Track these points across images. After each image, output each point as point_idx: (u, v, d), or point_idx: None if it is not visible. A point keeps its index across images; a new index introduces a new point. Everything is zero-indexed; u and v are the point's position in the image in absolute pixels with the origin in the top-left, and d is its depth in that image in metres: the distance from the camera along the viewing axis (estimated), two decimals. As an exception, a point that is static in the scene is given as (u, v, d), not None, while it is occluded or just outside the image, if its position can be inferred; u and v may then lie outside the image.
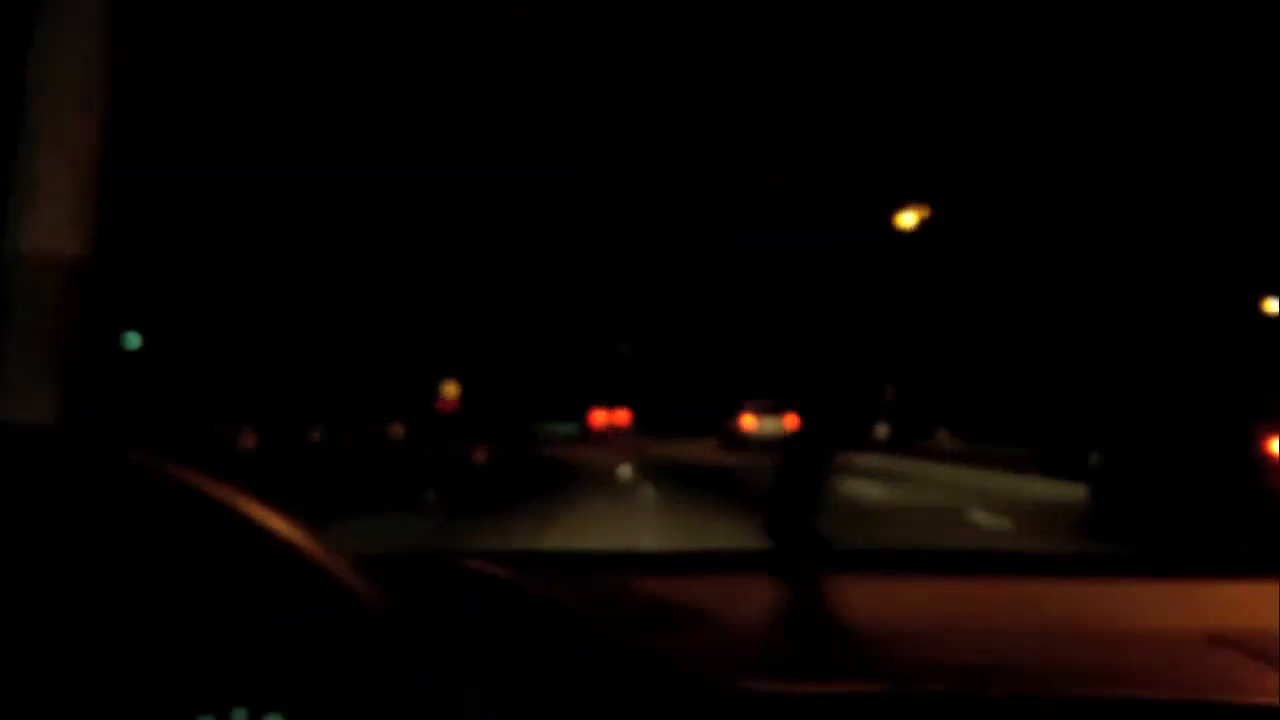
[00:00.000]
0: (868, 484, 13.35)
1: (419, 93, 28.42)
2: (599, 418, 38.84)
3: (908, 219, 22.84)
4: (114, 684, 0.62)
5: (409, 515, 9.52)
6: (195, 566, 0.67)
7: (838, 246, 28.72)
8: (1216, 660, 1.10)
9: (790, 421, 22.47)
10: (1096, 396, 17.53)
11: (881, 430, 26.05)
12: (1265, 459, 7.00)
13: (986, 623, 1.21)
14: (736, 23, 27.34)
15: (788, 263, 32.13)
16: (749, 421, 22.41)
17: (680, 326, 41.40)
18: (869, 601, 1.09)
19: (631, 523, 10.11)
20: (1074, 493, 11.63)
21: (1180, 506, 7.22)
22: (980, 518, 9.94)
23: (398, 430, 21.19)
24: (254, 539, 0.68)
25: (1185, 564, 1.59)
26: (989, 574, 1.48)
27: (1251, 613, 1.12)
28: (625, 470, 15.38)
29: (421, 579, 0.93)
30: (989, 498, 11.73)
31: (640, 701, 0.89)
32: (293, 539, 0.69)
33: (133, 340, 27.75)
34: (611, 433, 36.25)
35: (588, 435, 34.59)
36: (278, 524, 0.68)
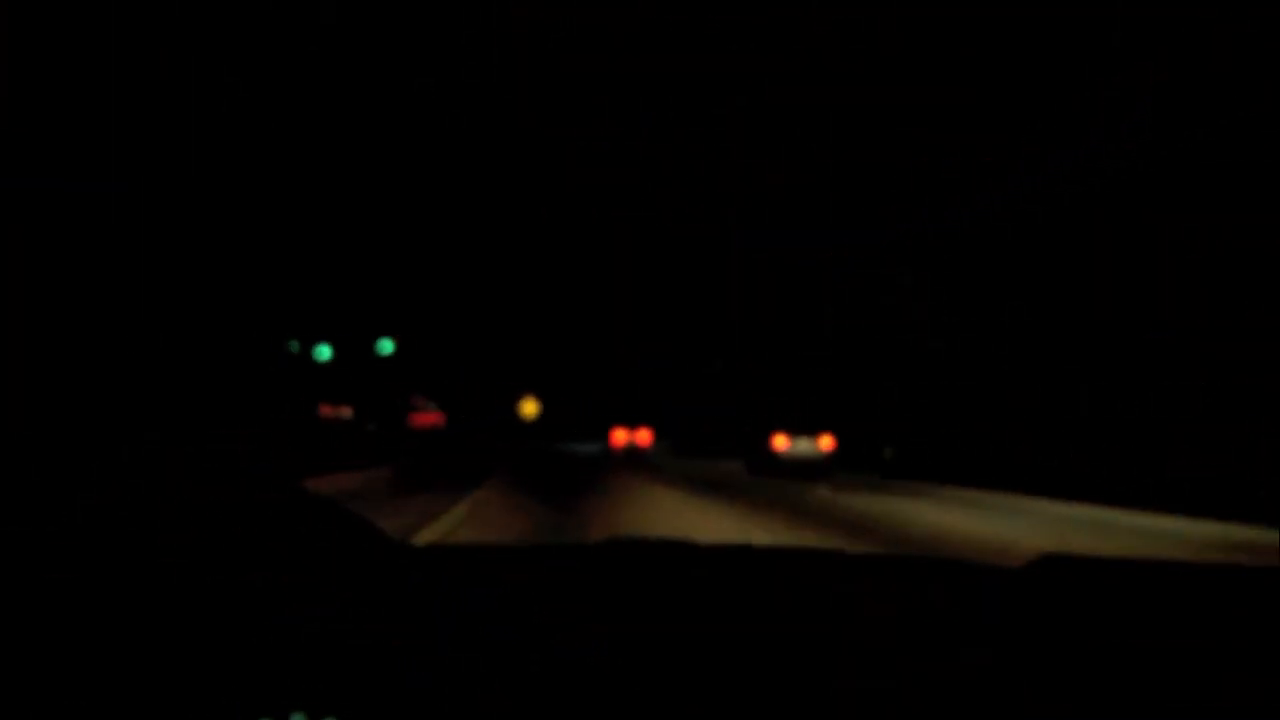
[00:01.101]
0: (949, 512, 11.28)
1: (427, 96, 27.63)
2: (619, 436, 36.87)
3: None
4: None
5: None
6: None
7: (837, 247, 27.66)
8: None
9: (826, 441, 20.33)
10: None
11: (888, 452, 24.10)
12: None
13: None
14: (736, 23, 26.03)
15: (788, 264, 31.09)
16: (780, 441, 20.24)
17: (706, 341, 39.48)
18: None
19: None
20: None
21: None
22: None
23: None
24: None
25: None
26: None
27: None
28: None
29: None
30: (1112, 531, 9.60)
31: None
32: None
33: (324, 352, 30.21)
34: (630, 453, 34.29)
35: (609, 455, 32.50)
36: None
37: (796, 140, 28.30)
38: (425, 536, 7.32)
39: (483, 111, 29.27)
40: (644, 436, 39.10)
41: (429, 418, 33.93)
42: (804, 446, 20.23)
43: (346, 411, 32.84)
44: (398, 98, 26.55)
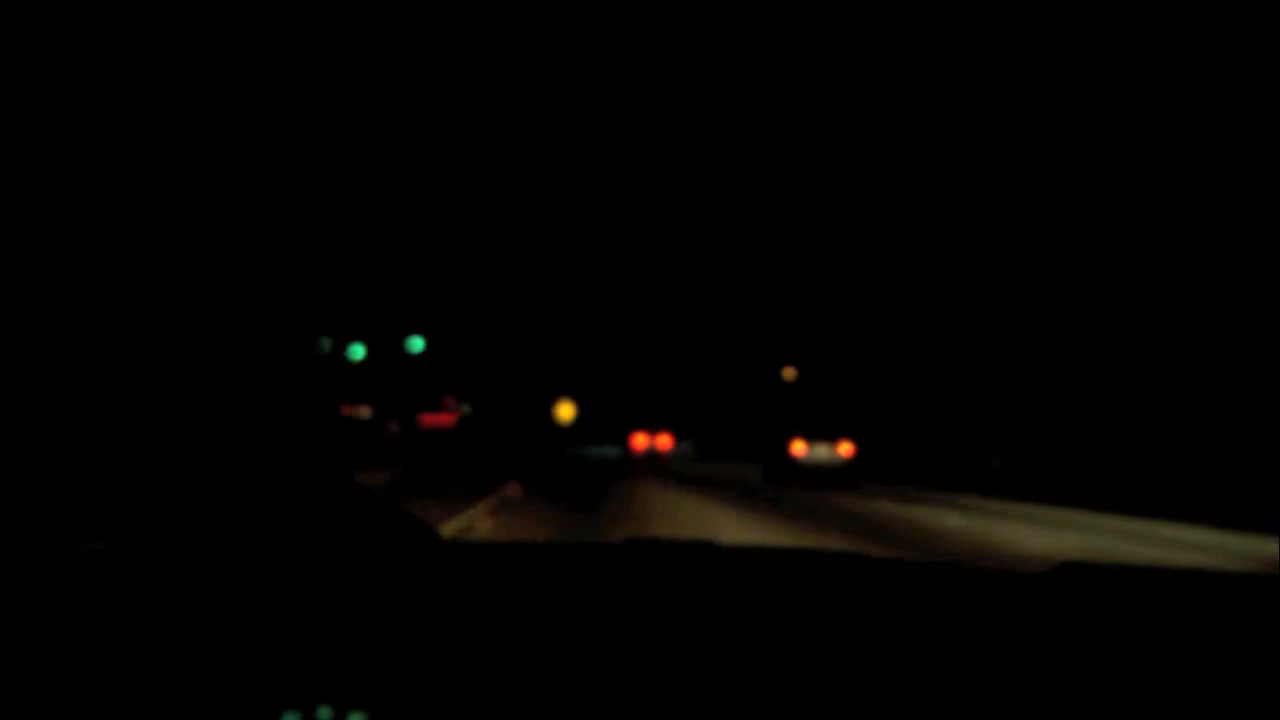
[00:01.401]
0: (1014, 528, 10.61)
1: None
2: (640, 441, 36.64)
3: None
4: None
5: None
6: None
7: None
8: None
9: (846, 447, 19.95)
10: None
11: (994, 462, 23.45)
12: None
13: None
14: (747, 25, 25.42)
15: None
16: (799, 446, 19.87)
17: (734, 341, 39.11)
18: None
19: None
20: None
21: None
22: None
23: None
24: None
25: None
26: None
27: None
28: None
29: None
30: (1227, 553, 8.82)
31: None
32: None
33: (358, 351, 30.46)
34: (649, 457, 34.03)
35: (629, 459, 32.24)
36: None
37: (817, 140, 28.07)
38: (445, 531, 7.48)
39: (514, 109, 29.17)
40: (664, 441, 38.86)
41: (439, 419, 33.76)
42: (823, 452, 19.87)
43: (365, 411, 32.71)
44: (425, 92, 26.51)
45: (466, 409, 36.92)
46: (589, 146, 31.50)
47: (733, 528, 9.65)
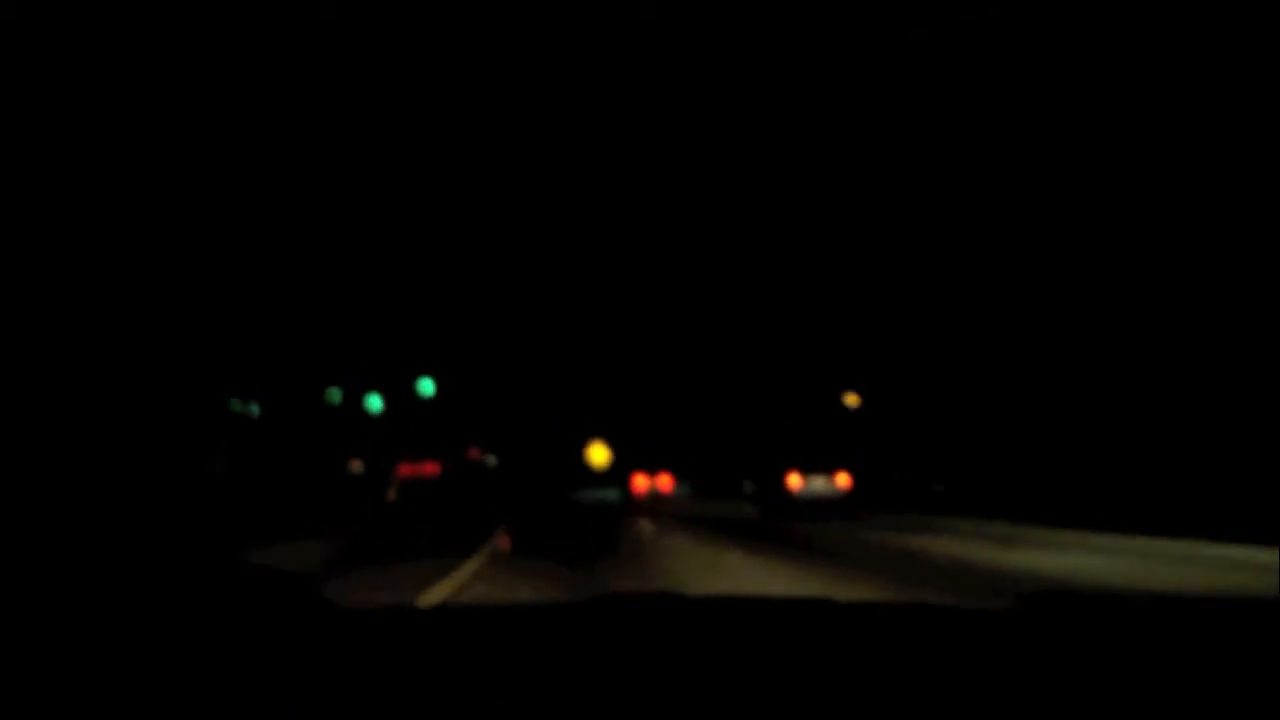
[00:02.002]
0: (1061, 556, 10.13)
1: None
2: (640, 483, 36.55)
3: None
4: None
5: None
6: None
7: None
8: None
9: (843, 479, 20.00)
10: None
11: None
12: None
13: None
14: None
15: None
16: (795, 480, 19.95)
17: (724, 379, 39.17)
18: None
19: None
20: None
21: None
22: None
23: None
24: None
25: None
26: None
27: None
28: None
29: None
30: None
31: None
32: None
33: (375, 403, 29.97)
34: (651, 499, 33.94)
35: (629, 501, 32.21)
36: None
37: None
38: (431, 597, 7.01)
39: (517, 117, 28.84)
40: (665, 482, 38.78)
41: (420, 469, 33.18)
42: (820, 484, 19.93)
43: (357, 465, 32.02)
44: (425, 102, 26.25)
45: (492, 459, 36.20)
46: (579, 158, 31.11)
47: (757, 574, 9.20)
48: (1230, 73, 16.39)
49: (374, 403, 33.11)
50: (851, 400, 30.68)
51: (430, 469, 33.67)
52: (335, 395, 33.77)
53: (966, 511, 17.80)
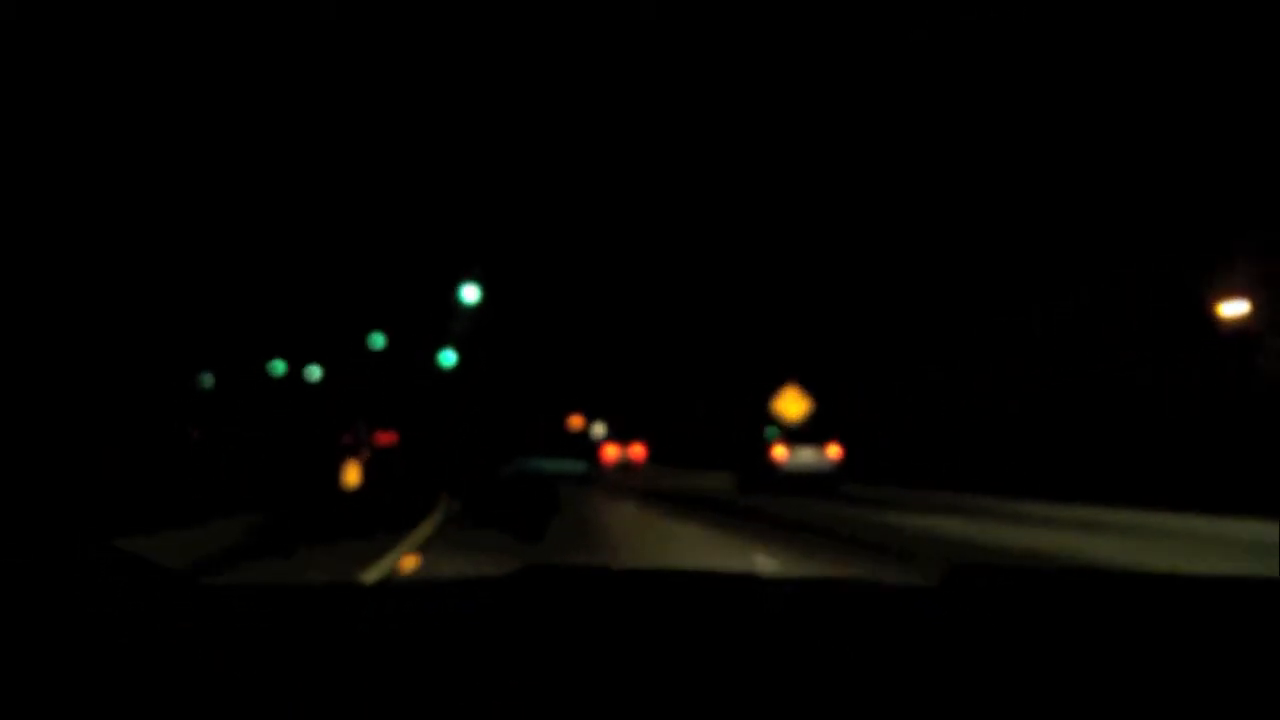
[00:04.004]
0: (1087, 539, 8.78)
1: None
2: (610, 452, 34.04)
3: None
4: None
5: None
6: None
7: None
8: None
9: (834, 450, 17.38)
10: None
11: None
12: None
13: None
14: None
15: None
16: (779, 451, 17.31)
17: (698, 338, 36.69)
18: None
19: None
20: None
21: None
22: None
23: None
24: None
25: None
26: None
27: None
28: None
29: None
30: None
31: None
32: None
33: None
34: (622, 468, 31.44)
35: (599, 473, 29.61)
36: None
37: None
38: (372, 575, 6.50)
39: (509, 111, 28.49)
40: (638, 451, 36.31)
41: (384, 437, 31.26)
42: (808, 456, 17.32)
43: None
44: (423, 94, 25.82)
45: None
46: (577, 153, 30.21)
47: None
48: (1230, 73, 16.42)
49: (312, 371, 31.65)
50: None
51: (386, 439, 32.41)
52: (280, 367, 33.52)
53: (984, 488, 15.33)
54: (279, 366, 33.61)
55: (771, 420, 18.83)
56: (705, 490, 17.52)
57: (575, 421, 35.69)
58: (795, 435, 17.88)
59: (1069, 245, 19.96)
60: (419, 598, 1.55)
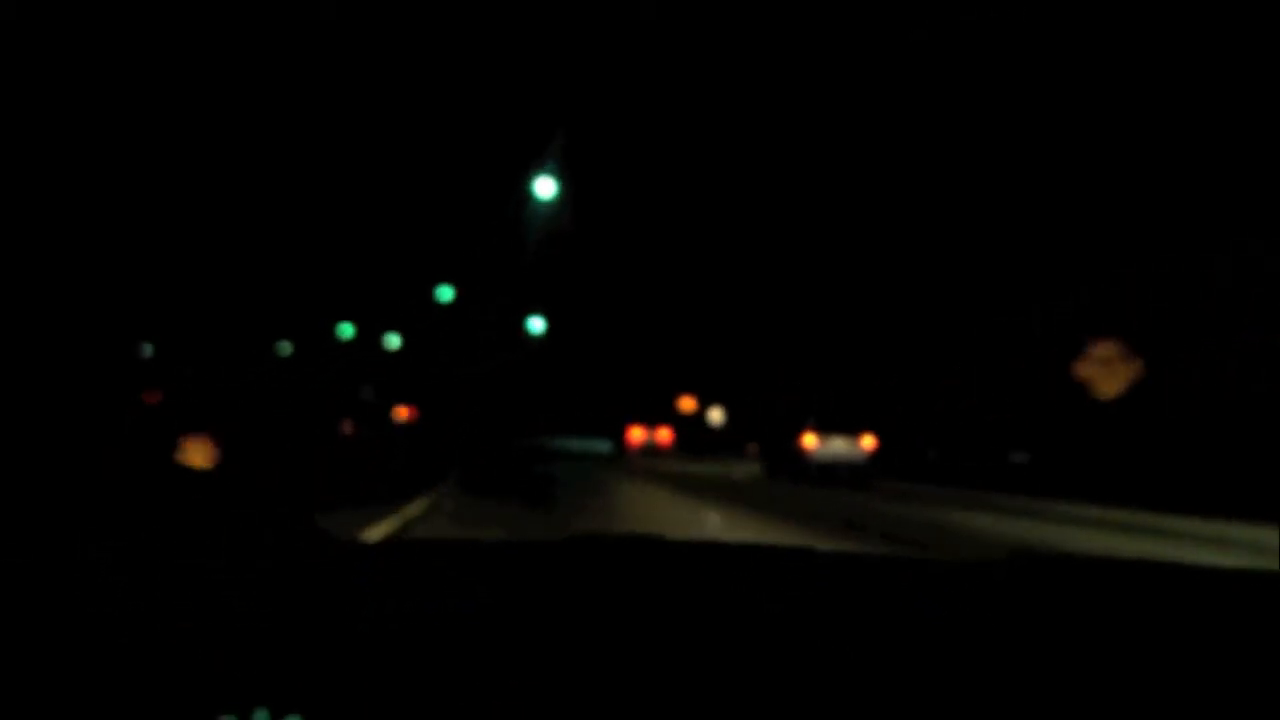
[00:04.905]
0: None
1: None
2: (636, 435, 33.56)
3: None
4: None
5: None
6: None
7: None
8: None
9: (868, 441, 16.75)
10: None
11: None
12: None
13: None
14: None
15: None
16: (810, 440, 16.69)
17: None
18: None
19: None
20: None
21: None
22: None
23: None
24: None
25: None
26: None
27: None
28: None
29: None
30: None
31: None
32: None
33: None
34: (649, 453, 30.96)
35: (625, 455, 29.15)
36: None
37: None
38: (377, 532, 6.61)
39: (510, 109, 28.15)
40: (664, 435, 35.81)
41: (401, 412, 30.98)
42: (840, 446, 16.69)
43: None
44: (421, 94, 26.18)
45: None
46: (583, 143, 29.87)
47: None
48: (1231, 73, 16.35)
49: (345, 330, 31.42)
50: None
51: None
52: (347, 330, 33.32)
53: (1054, 492, 14.25)
54: (347, 330, 33.11)
55: (808, 409, 18.19)
56: (731, 478, 16.99)
57: (686, 404, 35.30)
58: (828, 423, 17.26)
59: (1068, 246, 19.77)
60: (474, 557, 1.55)
